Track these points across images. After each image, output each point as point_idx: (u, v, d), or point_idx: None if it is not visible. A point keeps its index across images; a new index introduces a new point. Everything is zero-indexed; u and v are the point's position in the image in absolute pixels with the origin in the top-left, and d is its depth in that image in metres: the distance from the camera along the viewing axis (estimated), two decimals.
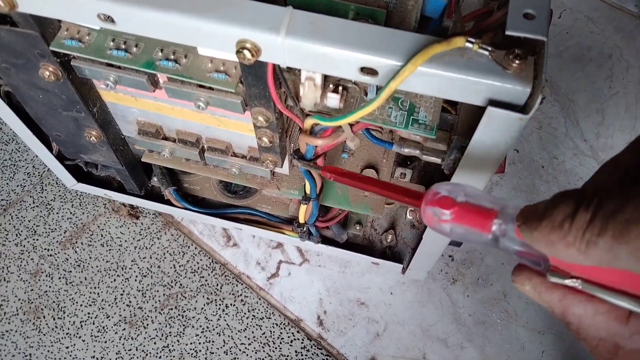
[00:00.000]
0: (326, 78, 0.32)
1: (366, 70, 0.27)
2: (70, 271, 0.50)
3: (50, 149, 0.46)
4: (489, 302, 0.50)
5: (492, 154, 0.30)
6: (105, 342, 0.48)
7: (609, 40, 0.62)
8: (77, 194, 0.54)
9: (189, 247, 0.52)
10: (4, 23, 0.32)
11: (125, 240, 0.52)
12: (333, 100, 0.31)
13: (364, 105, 0.29)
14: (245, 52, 0.28)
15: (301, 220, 0.43)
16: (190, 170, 0.45)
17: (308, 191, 0.39)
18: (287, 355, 0.47)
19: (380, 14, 0.31)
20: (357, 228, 0.49)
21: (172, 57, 0.32)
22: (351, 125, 0.33)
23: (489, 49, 0.26)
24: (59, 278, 0.50)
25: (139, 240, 0.52)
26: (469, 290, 0.50)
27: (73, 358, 0.47)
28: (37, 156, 0.56)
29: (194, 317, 0.49)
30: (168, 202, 0.50)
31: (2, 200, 0.53)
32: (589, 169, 0.56)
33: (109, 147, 0.43)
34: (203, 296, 0.50)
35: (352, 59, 0.27)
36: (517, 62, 0.26)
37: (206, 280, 0.50)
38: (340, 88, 0.31)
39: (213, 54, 0.32)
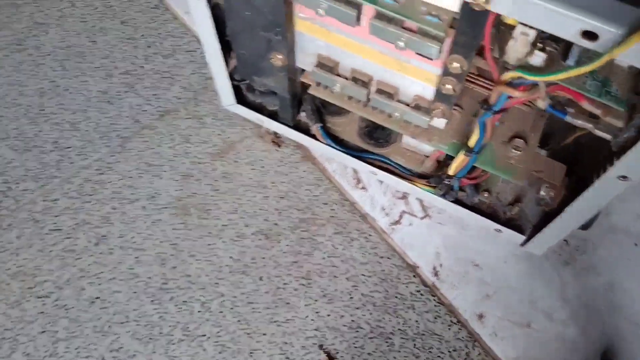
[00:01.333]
0: None
1: (588, 35, 0.34)
2: (217, 180, 0.59)
3: (227, 64, 0.54)
4: (596, 290, 0.57)
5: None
6: (243, 247, 0.56)
7: None
8: (226, 115, 0.62)
9: (322, 181, 0.60)
10: None
11: (267, 164, 0.60)
12: (538, 58, 0.38)
13: (575, 67, 0.36)
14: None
15: (451, 172, 0.50)
16: (350, 109, 0.52)
17: (471, 144, 0.46)
18: (403, 294, 0.55)
19: None
20: (485, 195, 0.56)
21: None
22: (547, 85, 0.40)
23: None
24: (206, 184, 0.59)
25: (280, 166, 0.60)
26: (578, 275, 0.57)
27: (213, 255, 0.55)
28: (193, 73, 0.65)
29: (322, 242, 0.57)
30: (313, 137, 0.58)
31: (159, 106, 0.62)
32: None
33: (286, 73, 0.51)
34: (332, 226, 0.57)
35: (579, 22, 0.34)
36: None
37: (336, 213, 0.58)
38: (545, 47, 0.39)
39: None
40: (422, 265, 0.57)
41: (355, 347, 0.53)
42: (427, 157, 0.55)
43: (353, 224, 0.58)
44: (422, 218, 0.59)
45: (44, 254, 0.54)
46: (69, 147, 0.60)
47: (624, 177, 0.40)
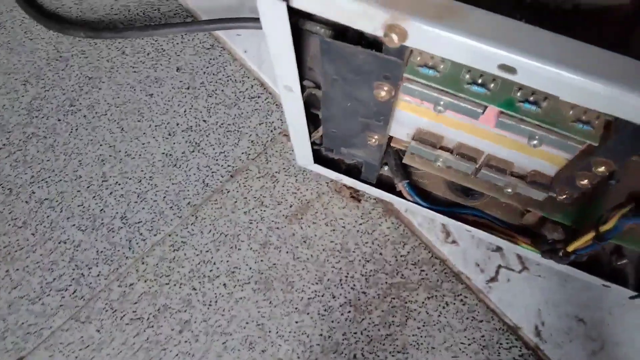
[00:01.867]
0: None
1: None
2: (297, 247, 0.54)
3: (310, 134, 0.48)
4: None
5: None
6: (332, 322, 0.51)
7: None
8: (299, 169, 0.56)
9: (409, 237, 0.54)
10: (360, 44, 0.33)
11: (348, 223, 0.54)
12: None
13: None
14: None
15: (570, 249, 0.44)
16: (450, 178, 0.46)
17: (604, 230, 0.40)
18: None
19: None
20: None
21: (531, 98, 0.32)
22: None
23: None
24: (287, 252, 0.54)
25: (361, 224, 0.55)
26: None
27: (303, 333, 0.51)
28: (261, 124, 0.58)
29: (415, 310, 0.52)
30: (398, 194, 0.52)
31: (228, 166, 0.57)
32: None
33: (379, 148, 0.44)
34: (424, 290, 0.52)
35: None
36: None
37: (427, 274, 0.53)
38: None
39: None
40: (523, 326, 0.52)
41: None
42: (529, 210, 0.49)
43: (446, 285, 0.53)
44: (519, 271, 0.54)
45: (127, 346, 0.51)
46: (139, 222, 0.55)
47: None
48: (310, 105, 0.44)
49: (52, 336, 0.51)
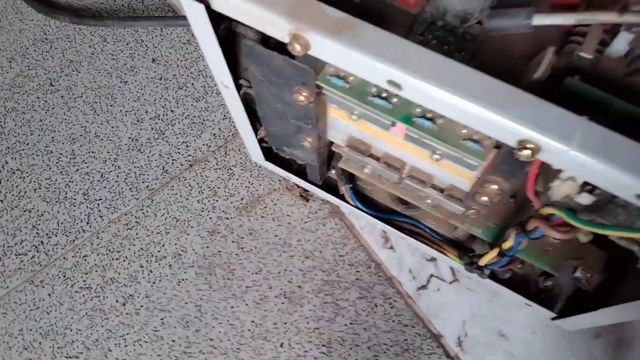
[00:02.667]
0: None
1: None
2: (243, 237, 0.55)
3: (255, 133, 0.49)
4: None
5: None
6: (265, 310, 0.52)
7: None
8: (255, 165, 0.57)
9: (349, 239, 0.55)
10: (279, 51, 0.34)
11: (294, 220, 0.55)
12: (585, 199, 0.32)
13: (623, 230, 0.29)
14: (525, 151, 0.28)
15: (481, 263, 0.44)
16: (380, 185, 0.46)
17: (505, 247, 0.40)
18: None
19: None
20: (518, 266, 0.50)
21: (429, 115, 0.33)
22: None
23: None
24: (232, 241, 0.55)
25: (306, 222, 0.55)
26: (609, 349, 0.51)
27: (236, 318, 0.52)
28: (224, 118, 0.59)
29: (345, 308, 0.53)
30: (342, 197, 0.53)
31: (188, 155, 0.58)
32: None
33: (315, 150, 0.45)
34: (356, 290, 0.53)
35: (636, 186, 0.27)
36: None
37: (361, 276, 0.54)
38: (595, 189, 0.32)
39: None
40: (446, 335, 0.52)
41: None
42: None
43: (378, 287, 0.53)
44: (450, 282, 0.54)
45: (73, 312, 0.52)
46: (99, 199, 0.57)
47: None
48: (251, 103, 0.45)
49: (7, 296, 0.53)
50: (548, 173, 0.32)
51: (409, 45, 0.29)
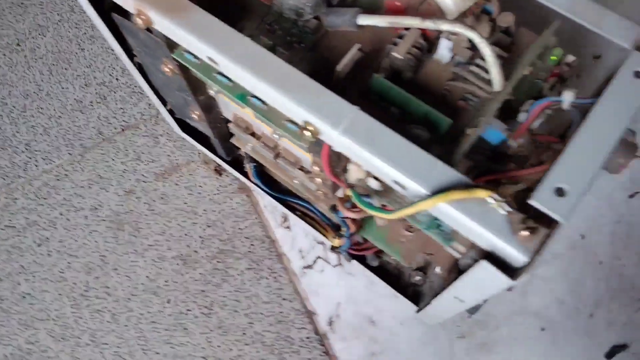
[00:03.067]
0: None
1: (398, 184, 0.30)
2: (155, 201, 0.59)
3: (165, 104, 0.53)
4: None
5: (468, 297, 0.33)
6: (160, 268, 0.57)
7: None
8: (179, 137, 0.62)
9: (251, 214, 0.59)
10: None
11: (205, 191, 0.59)
12: (373, 183, 0.34)
13: (385, 212, 0.32)
14: (306, 132, 0.32)
15: (335, 245, 0.47)
16: (261, 161, 0.50)
17: (343, 231, 0.43)
18: (293, 339, 0.54)
19: (443, 122, 0.33)
20: (392, 258, 0.52)
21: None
22: None
23: (508, 210, 0.28)
24: (144, 203, 0.59)
25: (215, 194, 0.59)
26: (471, 351, 0.53)
27: (133, 272, 0.57)
28: None
29: (233, 276, 0.56)
30: (245, 174, 0.56)
31: (123, 121, 0.63)
32: None
33: (207, 124, 0.49)
34: (247, 262, 0.57)
35: (390, 173, 0.30)
36: (526, 233, 0.28)
37: (254, 249, 0.57)
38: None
39: None
40: (320, 313, 0.55)
41: None
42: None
43: (267, 262, 0.57)
44: (335, 266, 0.57)
45: None
46: (39, 151, 0.62)
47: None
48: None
49: None
50: (341, 157, 0.36)
51: (227, 30, 0.33)
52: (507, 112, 0.34)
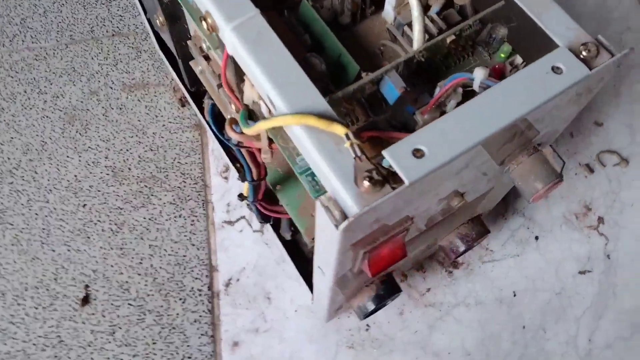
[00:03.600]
0: None
1: (270, 101, 0.28)
2: (113, 108, 0.58)
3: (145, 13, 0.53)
4: None
5: (321, 259, 0.30)
6: (90, 173, 0.55)
7: None
8: (160, 58, 0.61)
9: (196, 153, 0.57)
10: None
11: (162, 115, 0.58)
12: (264, 108, 0.32)
13: (247, 125, 0.30)
14: (204, 23, 0.30)
15: (244, 193, 0.45)
16: (211, 94, 0.48)
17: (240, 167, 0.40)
18: (184, 285, 0.51)
19: (352, 69, 0.31)
20: (312, 240, 0.49)
21: None
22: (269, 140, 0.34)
23: (358, 154, 0.25)
24: (102, 107, 0.59)
25: (170, 122, 0.58)
26: None
27: (64, 167, 0.56)
28: None
29: (153, 204, 0.54)
30: (202, 110, 0.55)
31: (116, 26, 0.63)
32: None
33: (169, 36, 0.48)
34: (172, 196, 0.55)
35: (264, 85, 0.27)
36: (367, 184, 0.24)
37: (184, 187, 0.55)
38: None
39: None
40: (221, 271, 0.52)
41: (113, 304, 0.50)
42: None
43: (192, 203, 0.55)
44: (255, 231, 0.54)
45: None
46: (31, 28, 0.63)
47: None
48: None
49: None
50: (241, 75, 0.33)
51: None
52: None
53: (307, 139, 0.26)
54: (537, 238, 0.53)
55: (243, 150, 0.38)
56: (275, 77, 0.27)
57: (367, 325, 0.50)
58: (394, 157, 0.25)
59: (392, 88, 0.28)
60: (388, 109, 0.31)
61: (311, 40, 0.32)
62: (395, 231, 0.30)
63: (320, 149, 0.26)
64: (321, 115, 0.26)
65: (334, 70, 0.32)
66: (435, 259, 0.52)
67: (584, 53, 0.28)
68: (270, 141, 0.34)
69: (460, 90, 0.30)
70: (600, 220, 0.53)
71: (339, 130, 0.25)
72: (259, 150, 0.36)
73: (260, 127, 0.27)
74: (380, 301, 0.43)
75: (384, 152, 0.25)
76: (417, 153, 0.25)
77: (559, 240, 0.52)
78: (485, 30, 0.33)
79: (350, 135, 0.25)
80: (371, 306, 0.44)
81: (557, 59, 0.27)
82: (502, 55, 0.33)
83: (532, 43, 0.31)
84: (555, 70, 0.27)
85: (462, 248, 0.45)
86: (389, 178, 0.25)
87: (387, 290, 0.44)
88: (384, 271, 0.34)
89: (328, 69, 0.30)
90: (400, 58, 0.28)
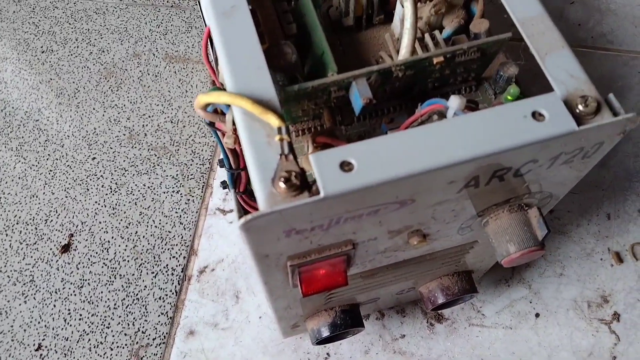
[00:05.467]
0: None
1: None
2: (149, 75, 0.60)
3: None
4: None
5: None
6: (108, 129, 0.57)
7: None
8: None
9: (212, 137, 0.57)
10: None
11: (193, 92, 0.59)
12: None
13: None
14: None
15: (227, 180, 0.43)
16: None
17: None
18: (160, 261, 0.51)
19: (330, 68, 0.29)
20: None
21: None
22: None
23: (286, 152, 0.23)
24: (140, 71, 0.60)
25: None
26: None
27: (87, 117, 0.57)
28: None
29: (156, 174, 0.54)
30: None
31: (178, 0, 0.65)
32: None
33: None
34: (177, 172, 0.55)
35: (220, 58, 0.26)
36: (283, 186, 0.22)
37: (189, 167, 0.55)
38: None
39: None
40: (200, 257, 0.51)
41: (89, 259, 0.51)
42: None
43: (193, 183, 0.54)
44: None
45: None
46: None
47: None
48: None
49: None
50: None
51: None
52: None
53: (241, 122, 0.24)
54: (537, 315, 0.48)
55: (219, 135, 0.37)
56: (232, 54, 0.26)
57: (327, 354, 0.47)
58: (318, 163, 0.22)
59: (357, 97, 0.26)
60: (363, 123, 0.28)
61: (301, 32, 0.30)
62: (330, 252, 0.28)
63: (250, 136, 0.24)
64: (259, 102, 0.24)
65: (316, 67, 0.30)
66: (419, 305, 0.49)
67: (580, 107, 0.24)
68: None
69: (435, 117, 0.27)
70: (616, 316, 0.47)
71: (273, 121, 0.24)
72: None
73: (199, 100, 0.26)
74: (335, 330, 0.41)
75: (310, 156, 0.23)
76: (346, 166, 0.22)
77: (561, 324, 0.47)
78: (494, 66, 0.30)
79: (283, 130, 0.23)
80: (325, 332, 0.41)
81: (541, 104, 0.24)
82: (509, 97, 0.30)
83: (541, 88, 0.27)
84: (536, 116, 0.24)
85: (440, 300, 0.42)
86: (311, 186, 0.23)
87: (345, 321, 0.41)
88: (319, 293, 0.31)
89: (304, 62, 0.29)
90: (374, 67, 0.26)
